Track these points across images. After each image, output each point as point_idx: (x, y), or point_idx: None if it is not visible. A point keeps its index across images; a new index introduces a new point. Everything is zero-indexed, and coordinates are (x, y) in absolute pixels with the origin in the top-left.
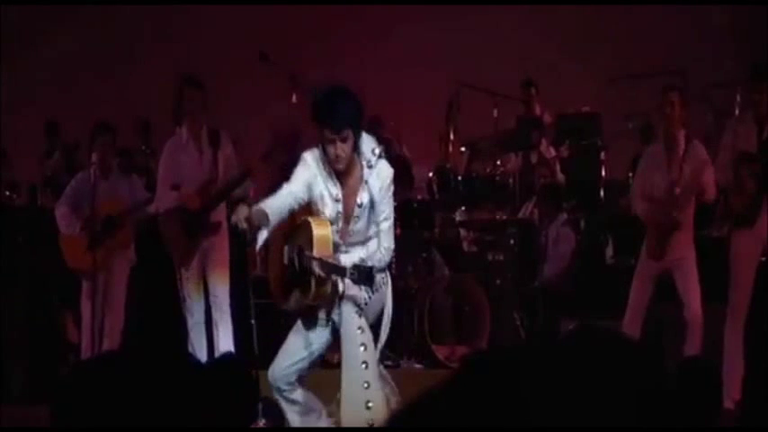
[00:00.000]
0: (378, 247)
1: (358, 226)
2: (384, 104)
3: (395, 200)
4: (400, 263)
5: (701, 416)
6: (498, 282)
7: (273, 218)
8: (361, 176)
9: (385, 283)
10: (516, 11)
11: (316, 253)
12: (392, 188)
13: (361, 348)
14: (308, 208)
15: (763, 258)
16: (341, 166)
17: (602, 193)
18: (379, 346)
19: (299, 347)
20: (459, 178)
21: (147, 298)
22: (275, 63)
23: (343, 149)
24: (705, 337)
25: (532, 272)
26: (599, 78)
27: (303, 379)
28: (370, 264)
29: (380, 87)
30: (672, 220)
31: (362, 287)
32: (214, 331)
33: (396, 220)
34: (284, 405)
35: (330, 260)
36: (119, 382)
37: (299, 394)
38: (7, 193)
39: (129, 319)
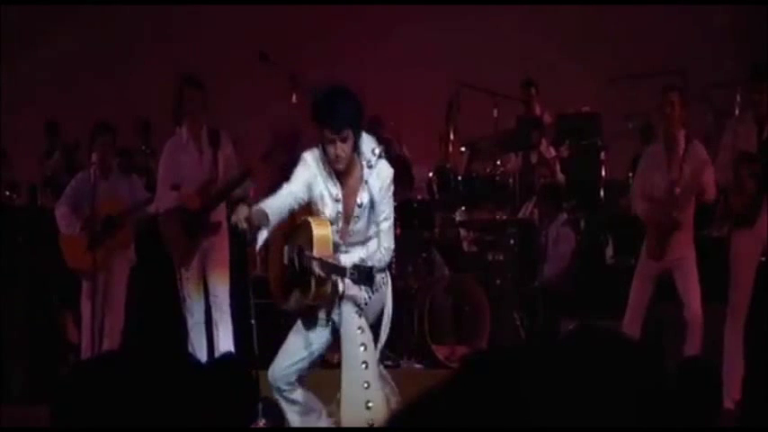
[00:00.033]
0: (378, 247)
1: (358, 226)
2: (384, 104)
3: (395, 200)
4: (400, 263)
5: (701, 416)
6: (498, 282)
7: (273, 218)
8: (361, 176)
9: (385, 283)
10: (516, 11)
11: (316, 253)
12: (392, 188)
13: (361, 348)
14: (307, 208)
15: (763, 258)
16: (341, 166)
17: (602, 193)
18: (379, 346)
19: (299, 347)
20: (459, 178)
21: (147, 298)
22: (275, 63)
23: (343, 149)
24: (705, 337)
25: (532, 272)
26: (599, 78)
27: (303, 379)
28: (370, 264)
29: (380, 87)
30: (672, 220)
31: (362, 287)
32: (214, 331)
33: (396, 220)
34: (284, 405)
35: (330, 260)
36: (119, 382)
37: (299, 394)
38: (7, 193)
39: (129, 319)
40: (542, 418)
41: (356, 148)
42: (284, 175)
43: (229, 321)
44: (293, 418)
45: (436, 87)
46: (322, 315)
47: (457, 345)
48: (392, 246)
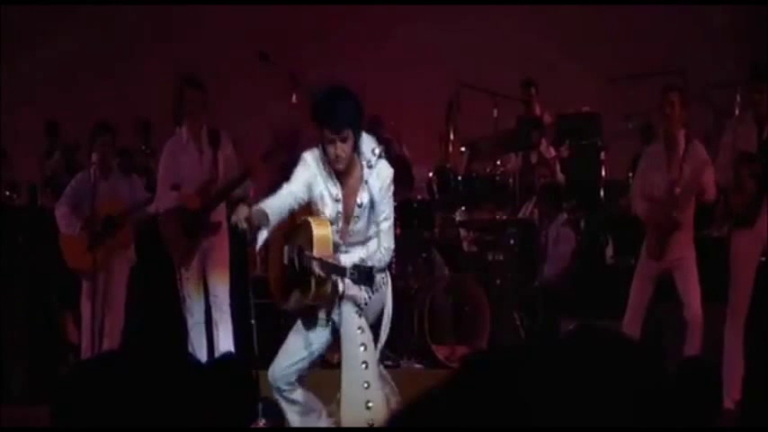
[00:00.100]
0: (378, 247)
1: (358, 226)
2: (384, 104)
3: (395, 200)
4: (400, 263)
5: (701, 416)
6: (498, 282)
7: (273, 218)
8: (361, 176)
9: (385, 283)
10: (516, 11)
11: (316, 253)
12: (392, 188)
13: (361, 348)
14: (307, 208)
15: (763, 258)
16: (341, 166)
17: (602, 193)
18: (379, 346)
19: (299, 347)
20: (459, 178)
21: (147, 298)
22: (275, 63)
23: (343, 149)
24: (705, 337)
25: (532, 272)
26: (599, 78)
27: (303, 379)
28: (370, 264)
29: (380, 87)
30: (672, 220)
31: (362, 287)
32: (214, 331)
33: (396, 220)
34: (284, 405)
35: (330, 260)
36: (119, 382)
37: (299, 394)
38: (7, 193)
39: (129, 319)
40: (542, 418)
41: (356, 148)
42: (284, 175)
43: (229, 321)
44: (293, 418)
45: (436, 87)
46: (322, 315)
47: (457, 345)
48: (392, 246)
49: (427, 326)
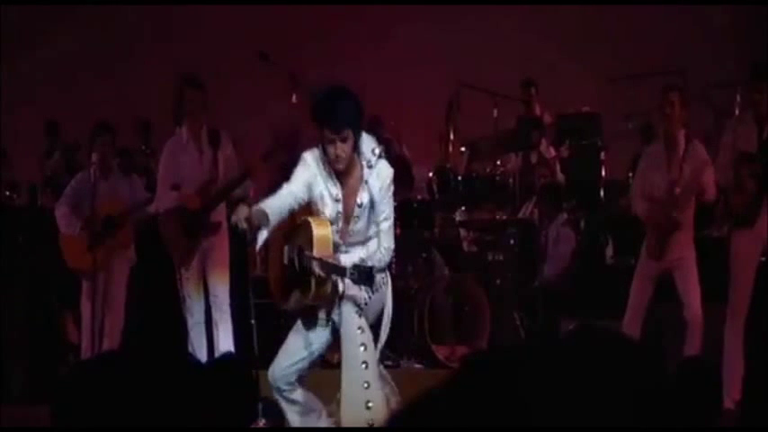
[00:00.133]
0: (378, 247)
1: (358, 226)
2: (384, 104)
3: (395, 200)
4: (400, 263)
5: (701, 416)
6: (498, 282)
7: (273, 218)
8: (361, 176)
9: (385, 283)
10: (516, 11)
11: (316, 253)
12: (392, 188)
13: (361, 348)
14: (307, 208)
15: (763, 258)
16: (341, 166)
17: (602, 193)
18: (379, 346)
19: (299, 347)
20: (459, 178)
21: (147, 298)
22: (275, 63)
23: (343, 149)
24: (705, 337)
25: (532, 272)
26: (599, 78)
27: (303, 379)
28: (370, 264)
29: (380, 87)
30: (672, 220)
31: (362, 287)
32: (214, 331)
33: (396, 220)
34: (284, 405)
35: (330, 260)
36: (119, 382)
37: (299, 394)
38: (7, 193)
39: (129, 319)
40: (542, 418)
41: (356, 148)
42: (284, 175)
43: (229, 321)
44: (293, 418)
45: (436, 87)
46: (322, 315)
47: (457, 345)
48: (392, 246)
49: (427, 326)
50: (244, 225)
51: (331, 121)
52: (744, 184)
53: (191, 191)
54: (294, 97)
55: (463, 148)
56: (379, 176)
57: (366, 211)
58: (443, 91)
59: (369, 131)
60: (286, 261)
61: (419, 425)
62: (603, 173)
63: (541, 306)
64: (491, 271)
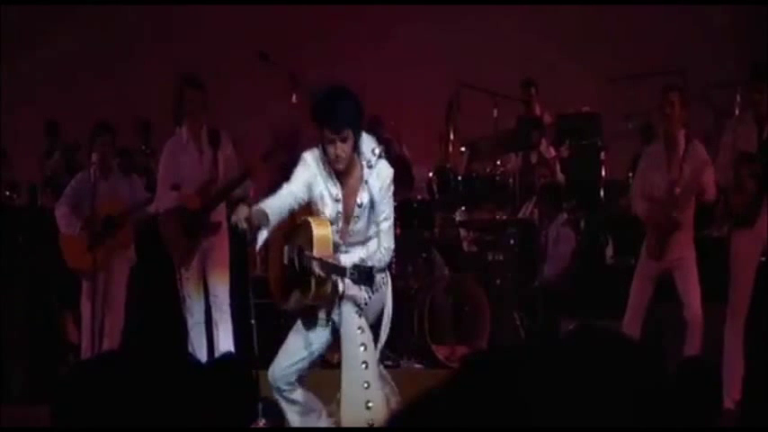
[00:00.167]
0: (378, 247)
1: (358, 226)
2: (384, 104)
3: (395, 200)
4: (400, 263)
5: (701, 416)
6: (498, 282)
7: (273, 218)
8: (361, 176)
9: (385, 283)
10: (516, 11)
11: (316, 253)
12: (392, 188)
13: (361, 348)
14: (307, 208)
15: (763, 258)
16: (341, 166)
17: (602, 193)
18: (379, 346)
19: (299, 347)
20: (459, 178)
21: (147, 298)
22: (275, 63)
23: (343, 149)
24: (705, 337)
25: (532, 272)
26: (599, 78)
27: (303, 379)
28: (370, 264)
29: (380, 87)
30: (672, 220)
31: (362, 287)
32: (214, 331)
33: (396, 220)
34: (284, 405)
35: (330, 260)
36: (119, 382)
37: (299, 394)
38: (7, 193)
39: (129, 319)
40: (542, 418)
41: (356, 148)
42: (284, 175)
43: (229, 321)
44: (293, 418)
45: (436, 87)
46: (322, 315)
47: (457, 345)
48: (392, 246)
49: (427, 326)
50: (244, 225)
51: (331, 121)
52: (744, 184)
53: (191, 191)
54: (294, 97)
55: (463, 148)
56: (379, 176)
57: (366, 211)
58: (443, 91)
59: (369, 131)
60: (286, 261)
61: (419, 425)
62: (603, 173)
63: (541, 306)
64: (491, 271)
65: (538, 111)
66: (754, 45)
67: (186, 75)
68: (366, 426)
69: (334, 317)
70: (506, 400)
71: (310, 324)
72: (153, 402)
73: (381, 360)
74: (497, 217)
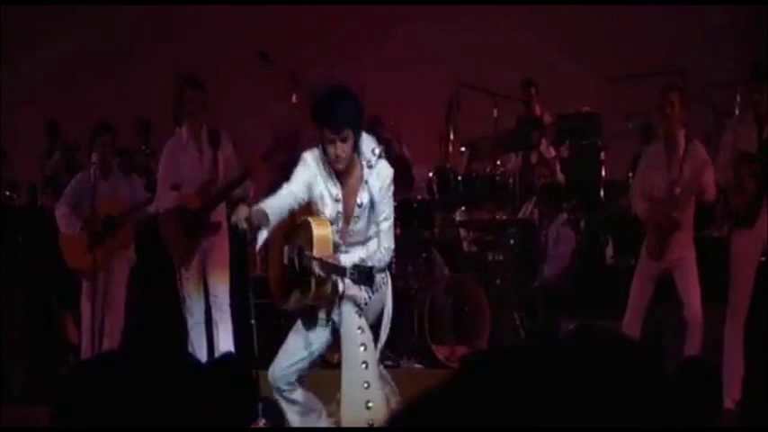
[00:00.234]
0: (378, 247)
1: (358, 226)
2: (384, 104)
3: (395, 200)
4: (400, 263)
5: (701, 416)
6: (498, 282)
7: (273, 218)
8: (361, 176)
9: (385, 283)
10: (516, 11)
11: (316, 253)
12: (392, 188)
13: (361, 348)
14: (307, 208)
15: (763, 258)
16: (341, 167)
17: (602, 193)
18: (379, 346)
19: (299, 347)
20: (459, 178)
21: (147, 298)
22: (275, 63)
23: (343, 149)
24: (705, 337)
25: (532, 272)
26: (599, 78)
27: (303, 379)
28: (370, 264)
29: (380, 87)
30: (672, 220)
31: (362, 287)
32: (214, 331)
33: (396, 220)
34: (284, 405)
35: (330, 260)
36: (119, 382)
37: (299, 394)
38: (7, 193)
39: (129, 319)
40: (542, 418)
41: (356, 148)
42: (284, 175)
43: (229, 321)
44: (293, 418)
45: (436, 87)
46: (322, 315)
47: (457, 345)
48: (392, 246)
49: (427, 326)
50: (244, 225)
51: (331, 121)
52: (744, 184)
53: (191, 191)
54: (294, 97)
55: (463, 148)
56: (379, 176)
57: (366, 211)
58: (443, 91)
59: (369, 131)
60: (286, 261)
61: (419, 425)
62: (603, 173)
63: (541, 306)
64: (491, 271)
65: (538, 111)
66: (754, 45)
67: (186, 75)
68: (366, 426)
69: (334, 317)
70: (506, 400)
71: (310, 324)
72: (153, 402)
73: (381, 360)
74: (497, 217)
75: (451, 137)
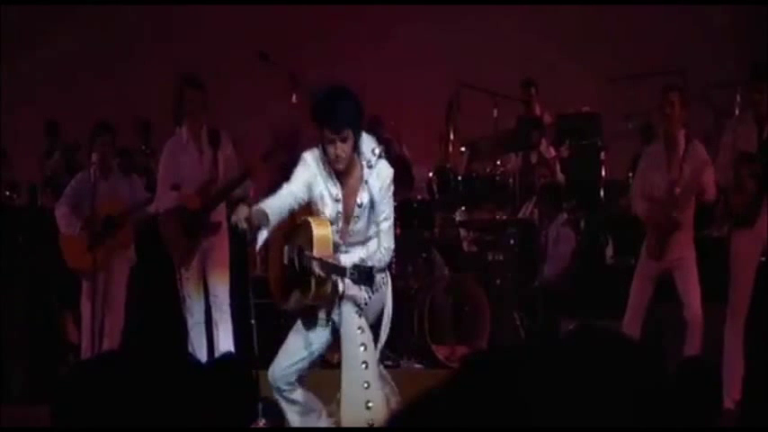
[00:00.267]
0: (378, 247)
1: (358, 226)
2: (384, 104)
3: (395, 200)
4: (400, 263)
5: (701, 416)
6: (498, 282)
7: (273, 218)
8: (361, 176)
9: (385, 283)
10: (516, 11)
11: (316, 253)
12: (392, 188)
13: (361, 348)
14: (307, 208)
15: (763, 258)
16: (341, 167)
17: (602, 193)
18: (379, 346)
19: (299, 347)
20: (459, 178)
21: (147, 298)
22: (275, 63)
23: (343, 149)
24: (705, 337)
25: (532, 272)
26: (599, 78)
27: (303, 379)
28: (370, 264)
29: (380, 87)
30: (672, 220)
31: (362, 287)
32: (214, 331)
33: (396, 220)
34: (284, 405)
35: (330, 260)
36: (119, 382)
37: (299, 394)
38: (7, 193)
39: (129, 319)
40: (542, 418)
41: (356, 148)
42: (284, 175)
43: (229, 321)
44: (293, 418)
45: (436, 87)
46: (322, 315)
47: (457, 345)
48: (392, 246)
49: (427, 326)
50: (244, 225)
51: (331, 121)
52: (744, 184)
53: (191, 191)
54: (294, 97)
55: (463, 148)
56: (379, 176)
57: (366, 211)
58: (443, 91)
59: (369, 131)
60: (286, 261)
61: (419, 425)
62: (603, 173)
63: (541, 306)
64: (491, 271)
65: (538, 111)
66: (754, 45)
67: (186, 75)
68: (366, 426)
69: (334, 317)
70: (506, 400)
71: (310, 324)
72: (153, 402)
73: (381, 360)
74: (497, 217)
75: (451, 137)
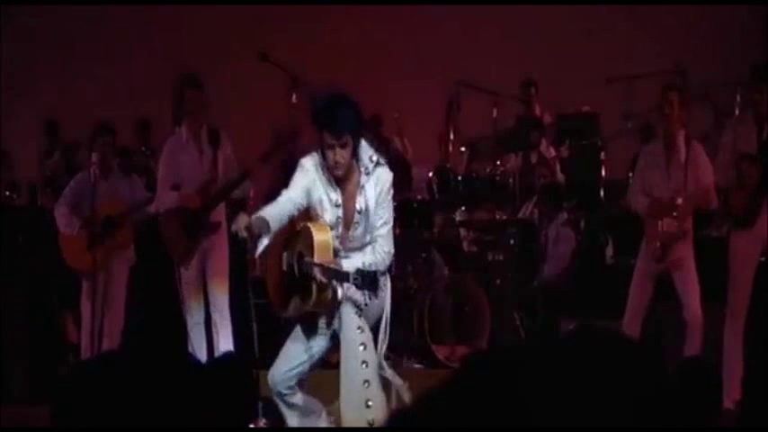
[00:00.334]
0: (375, 251)
1: (357, 232)
2: (384, 104)
3: (394, 200)
4: (400, 263)
5: (701, 416)
6: (498, 282)
7: (274, 225)
8: (360, 183)
9: (385, 286)
10: (517, 11)
11: (317, 258)
12: (392, 192)
13: (361, 348)
14: (306, 213)
15: (763, 258)
16: (340, 173)
17: (602, 193)
18: (380, 350)
19: (298, 352)
20: (459, 178)
21: (147, 298)
22: (275, 63)
23: (342, 155)
24: (705, 337)
25: (532, 272)
26: (599, 78)
27: (303, 382)
28: (371, 268)
29: (380, 87)
30: (682, 228)
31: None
32: (213, 331)
33: (395, 220)
34: (284, 409)
35: (332, 265)
36: (119, 382)
37: (298, 398)
38: (7, 193)
39: (129, 319)
40: (542, 418)
41: (355, 155)
42: (284, 174)
43: (229, 321)
44: (293, 421)
45: (436, 87)
46: (322, 323)
47: (457, 345)
48: (392, 250)
49: (427, 326)
50: (244, 234)
51: (331, 127)
52: (744, 185)
53: (191, 191)
54: (294, 97)
55: (463, 148)
56: (378, 182)
57: (365, 217)
58: (443, 91)
59: (369, 129)
60: (285, 267)
61: (419, 425)
62: (603, 173)
63: (541, 306)
64: (491, 271)
65: (538, 111)
66: (754, 45)
67: (186, 75)
68: (366, 425)
69: (335, 325)
70: (506, 400)
71: (310, 331)
72: (153, 402)
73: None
74: (497, 217)
75: (451, 137)
